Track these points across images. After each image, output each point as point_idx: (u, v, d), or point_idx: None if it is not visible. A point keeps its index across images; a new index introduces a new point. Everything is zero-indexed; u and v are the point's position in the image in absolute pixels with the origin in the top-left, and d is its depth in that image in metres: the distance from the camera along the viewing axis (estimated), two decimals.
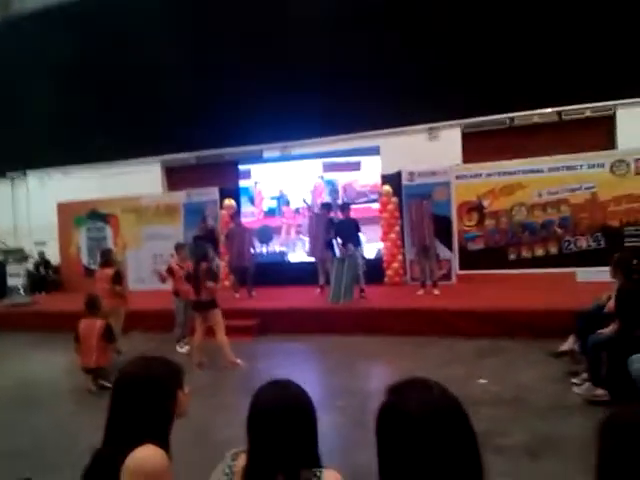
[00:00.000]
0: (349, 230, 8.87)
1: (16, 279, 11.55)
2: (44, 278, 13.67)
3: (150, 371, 1.65)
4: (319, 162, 11.44)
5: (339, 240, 8.91)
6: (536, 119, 10.96)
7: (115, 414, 1.61)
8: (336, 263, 8.77)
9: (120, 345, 6.70)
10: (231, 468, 1.49)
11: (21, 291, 11.47)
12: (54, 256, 13.95)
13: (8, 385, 6.50)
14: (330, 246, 9.41)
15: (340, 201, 10.73)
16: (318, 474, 1.41)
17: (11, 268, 11.59)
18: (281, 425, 1.41)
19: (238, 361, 6.46)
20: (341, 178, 11.25)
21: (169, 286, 7.84)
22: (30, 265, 13.22)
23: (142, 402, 1.58)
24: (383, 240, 10.61)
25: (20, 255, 12.03)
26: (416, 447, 1.06)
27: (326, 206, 9.91)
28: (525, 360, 5.97)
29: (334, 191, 11.23)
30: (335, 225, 9.21)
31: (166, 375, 1.65)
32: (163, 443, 1.57)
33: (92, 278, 8.33)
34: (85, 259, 13.29)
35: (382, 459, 1.14)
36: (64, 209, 13.51)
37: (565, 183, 9.59)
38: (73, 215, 13.37)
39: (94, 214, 13.16)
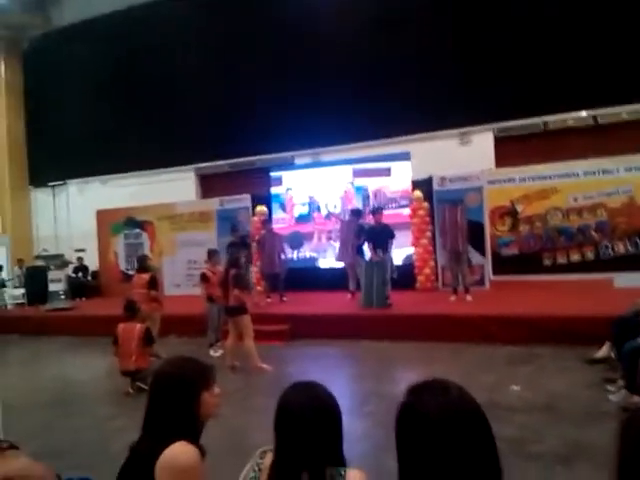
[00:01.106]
0: (381, 235, 8.87)
1: (57, 284, 11.93)
2: (83, 284, 14.08)
3: (175, 370, 1.73)
4: (349, 168, 11.49)
5: (370, 245, 8.92)
6: (571, 123, 10.75)
7: (148, 411, 1.70)
8: (365, 268, 8.78)
9: (157, 349, 6.86)
10: (259, 465, 1.55)
11: (62, 296, 11.84)
12: (93, 262, 14.38)
13: (49, 387, 6.72)
14: (360, 251, 9.43)
15: (371, 207, 10.75)
16: (343, 473, 1.46)
17: (52, 274, 11.98)
18: (306, 424, 1.46)
19: (265, 366, 6.55)
20: (371, 184, 11.27)
21: (203, 291, 7.99)
22: (70, 271, 13.65)
23: (167, 399, 1.67)
24: (414, 245, 10.57)
25: (60, 261, 12.43)
26: (433, 448, 1.07)
27: (356, 212, 9.95)
28: (559, 367, 5.87)
29: (365, 197, 11.26)
30: (367, 230, 9.23)
31: (190, 375, 1.70)
32: (194, 441, 1.63)
33: (129, 283, 8.56)
34: (123, 265, 13.67)
35: (401, 459, 1.15)
36: (102, 216, 13.93)
37: (601, 187, 9.39)
38: (111, 222, 13.78)
39: (131, 221, 13.53)
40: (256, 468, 1.55)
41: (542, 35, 10.26)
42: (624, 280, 8.72)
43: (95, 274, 14.47)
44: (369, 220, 9.76)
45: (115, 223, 13.74)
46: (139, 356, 6.08)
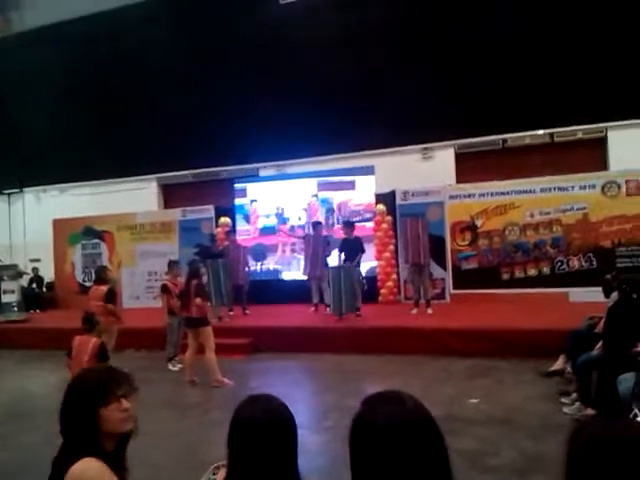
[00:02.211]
0: (353, 248, 8.94)
1: (10, 296, 11.50)
2: (38, 295, 13.61)
3: (73, 384, 1.74)
4: (314, 181, 11.53)
5: (340, 257, 8.98)
6: (528, 140, 11.10)
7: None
8: (332, 275, 8.76)
9: (112, 364, 6.66)
10: None
11: (15, 308, 11.41)
12: (49, 273, 13.93)
13: (0, 401, 6.46)
14: (326, 265, 9.46)
15: (336, 220, 10.83)
16: None
17: (5, 285, 11.55)
18: (261, 439, 1.41)
19: (225, 380, 6.45)
20: (336, 197, 11.33)
21: (163, 304, 7.83)
22: (25, 282, 13.18)
23: (64, 414, 1.67)
24: (377, 259, 10.65)
25: (14, 271, 12.00)
26: (385, 459, 1.06)
27: (316, 225, 9.99)
28: (516, 379, 5.99)
29: (329, 210, 11.31)
30: (340, 243, 9.28)
31: (84, 389, 1.68)
32: (104, 457, 1.61)
33: (86, 295, 8.32)
34: (80, 276, 13.27)
35: (354, 471, 1.14)
36: (59, 225, 13.52)
37: (557, 204, 9.70)
38: (68, 232, 13.38)
39: (89, 231, 13.18)
40: None
41: (502, 56, 10.58)
42: (578, 295, 9.01)
43: (51, 285, 14.01)
44: (334, 233, 9.79)
45: (73, 233, 13.35)
46: None
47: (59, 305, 13.31)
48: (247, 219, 12.01)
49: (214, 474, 1.53)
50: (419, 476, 1.05)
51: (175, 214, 12.51)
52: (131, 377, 1.78)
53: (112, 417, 1.65)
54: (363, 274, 9.37)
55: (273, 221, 11.80)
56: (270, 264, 11.68)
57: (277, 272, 11.61)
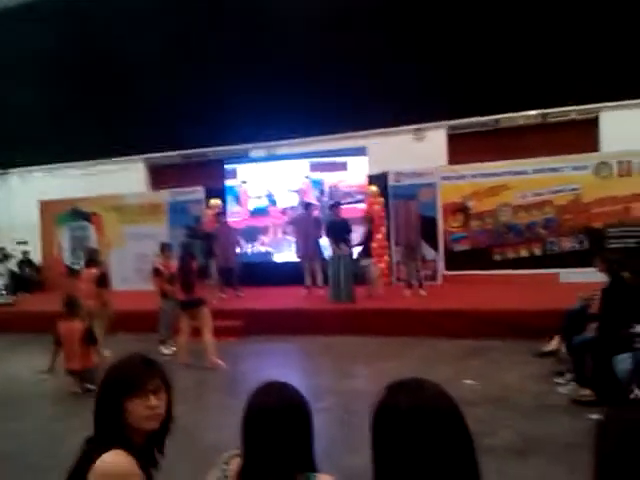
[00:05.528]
0: (341, 230, 8.86)
1: None
2: (26, 278, 13.43)
3: (105, 373, 1.68)
4: (306, 162, 11.41)
5: (331, 240, 8.90)
6: (521, 121, 11.05)
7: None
8: (331, 262, 8.75)
9: (105, 347, 6.61)
10: (225, 472, 1.46)
11: (3, 291, 11.26)
12: (36, 255, 13.73)
13: None
14: (318, 246, 9.40)
15: (327, 200, 10.73)
16: (312, 479, 1.39)
17: None
18: (278, 428, 1.38)
19: (220, 362, 6.42)
20: (327, 178, 11.23)
21: (153, 287, 7.74)
22: (12, 265, 12.99)
23: (96, 404, 1.63)
24: (369, 240, 10.60)
25: (1, 254, 11.81)
26: (408, 447, 1.06)
27: (306, 206, 9.93)
28: (510, 360, 6.02)
29: (321, 191, 11.22)
30: (326, 225, 9.20)
31: (112, 381, 1.63)
32: (132, 450, 1.56)
33: (75, 278, 8.20)
34: (68, 258, 13.10)
35: (377, 458, 1.13)
36: (47, 207, 13.31)
37: (549, 185, 9.69)
38: (56, 213, 13.18)
39: (77, 212, 12.99)
40: (220, 475, 1.46)
41: (494, 35, 10.46)
42: (569, 275, 9.07)
43: (38, 268, 13.83)
44: (322, 215, 9.72)
45: (60, 214, 13.15)
46: (83, 356, 5.88)
47: (47, 288, 13.14)
48: (237, 201, 11.88)
49: (227, 464, 1.48)
50: (444, 463, 1.05)
51: (164, 195, 12.35)
52: (166, 373, 1.70)
53: (137, 412, 1.59)
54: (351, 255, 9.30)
55: (264, 202, 11.68)
56: (262, 246, 11.60)
57: (269, 254, 11.54)
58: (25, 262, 13.79)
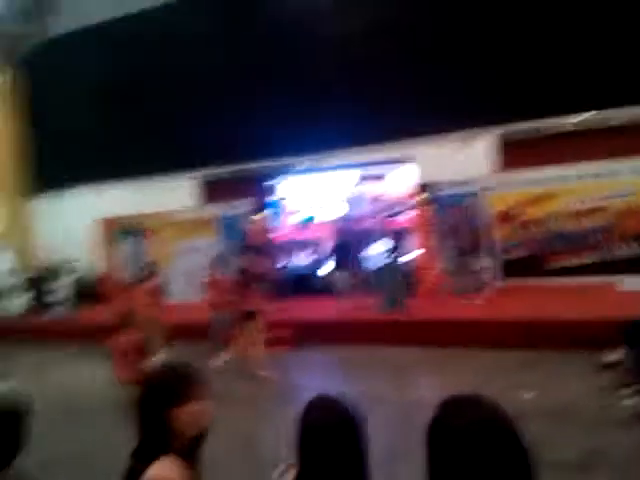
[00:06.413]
0: (392, 240, 8.87)
1: (58, 293, 11.85)
2: (85, 292, 13.96)
3: (146, 383, 1.71)
4: (351, 174, 11.44)
5: (379, 250, 8.90)
6: (572, 126, 10.71)
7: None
8: (382, 272, 8.71)
9: (159, 356, 6.78)
10: None
11: (63, 305, 11.75)
12: (93, 270, 14.27)
13: (54, 395, 6.65)
14: (356, 257, 9.42)
15: (369, 212, 10.75)
16: None
17: (53, 283, 11.90)
18: (332, 444, 1.38)
19: (269, 374, 6.48)
20: (373, 189, 11.21)
21: (203, 299, 7.91)
22: (71, 279, 13.54)
23: (139, 413, 1.65)
24: (418, 250, 10.50)
25: (61, 269, 12.34)
26: (463, 464, 1.06)
27: (349, 218, 9.97)
28: (571, 372, 5.80)
29: (364, 202, 11.21)
30: (374, 235, 9.23)
31: (156, 390, 1.66)
32: (187, 457, 1.60)
33: (131, 292, 8.48)
34: (123, 273, 13.56)
35: (431, 472, 1.14)
36: (103, 224, 13.85)
37: (605, 190, 9.34)
38: (111, 230, 13.69)
39: (131, 229, 13.45)
40: None
41: (544, 36, 10.23)
42: (627, 283, 8.66)
43: (96, 283, 14.36)
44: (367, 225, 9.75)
45: (116, 230, 13.65)
46: (139, 367, 6.02)
47: (104, 301, 13.62)
48: (283, 214, 12.04)
49: (282, 475, 1.50)
50: (500, 478, 1.04)
51: (215, 210, 12.64)
52: (206, 379, 1.74)
53: (182, 419, 1.62)
54: (404, 265, 9.25)
55: (309, 215, 11.78)
56: (307, 258, 11.67)
57: (314, 266, 11.58)
58: (83, 277, 14.33)
